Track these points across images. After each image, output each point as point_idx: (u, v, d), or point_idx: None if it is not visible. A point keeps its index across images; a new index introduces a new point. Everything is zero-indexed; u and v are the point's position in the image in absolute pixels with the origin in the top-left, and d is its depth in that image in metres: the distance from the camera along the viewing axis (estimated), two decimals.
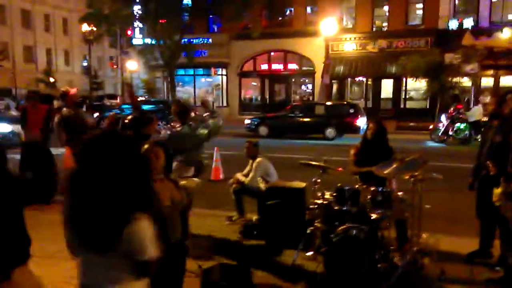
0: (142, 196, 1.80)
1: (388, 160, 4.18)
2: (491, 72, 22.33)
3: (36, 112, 6.88)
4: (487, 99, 16.88)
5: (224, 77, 28.86)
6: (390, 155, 4.49)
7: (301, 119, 17.81)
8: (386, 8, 24.73)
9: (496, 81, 22.57)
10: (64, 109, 6.42)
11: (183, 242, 3.08)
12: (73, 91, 6.74)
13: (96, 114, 19.17)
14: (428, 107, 22.90)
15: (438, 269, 4.19)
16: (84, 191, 1.74)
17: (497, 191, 3.96)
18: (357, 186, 4.27)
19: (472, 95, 20.86)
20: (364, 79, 25.63)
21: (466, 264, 4.51)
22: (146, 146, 2.81)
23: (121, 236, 1.71)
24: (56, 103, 25.93)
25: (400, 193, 4.26)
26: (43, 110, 6.95)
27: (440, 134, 15.53)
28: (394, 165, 3.95)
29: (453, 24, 22.67)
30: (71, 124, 6.22)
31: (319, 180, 4.50)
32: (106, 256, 1.76)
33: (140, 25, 27.43)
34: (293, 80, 27.96)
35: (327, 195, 4.32)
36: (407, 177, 4.12)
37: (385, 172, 3.95)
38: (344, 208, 4.07)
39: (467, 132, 14.69)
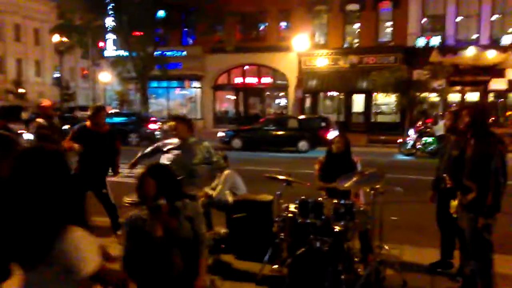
0: (71, 209, 1.80)
1: (350, 173, 4.29)
2: (457, 88, 23.18)
3: None
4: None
5: (198, 90, 28.87)
6: (354, 168, 4.61)
7: (274, 132, 17.98)
8: (357, 25, 25.37)
9: (463, 97, 23.43)
10: (38, 119, 6.42)
11: (190, 279, 2.66)
12: (46, 103, 6.69)
13: (66, 126, 18.80)
14: (398, 121, 23.48)
15: (400, 280, 4.30)
16: (8, 205, 1.74)
17: (454, 203, 4.12)
18: (320, 198, 4.35)
19: (440, 110, 21.54)
20: (336, 94, 26.13)
21: (428, 275, 4.64)
22: (139, 171, 2.64)
23: (50, 250, 1.68)
24: (24, 114, 25.22)
25: (362, 205, 4.36)
26: None
27: (408, 147, 15.96)
28: (354, 178, 4.06)
29: (421, 42, 23.47)
30: (43, 136, 6.20)
31: (278, 193, 4.57)
32: (38, 273, 1.73)
33: (113, 36, 27.20)
34: (267, 93, 28.22)
35: (292, 207, 4.38)
36: (367, 190, 4.24)
37: (345, 185, 4.05)
38: (308, 221, 4.13)
39: (434, 145, 15.14)
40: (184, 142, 4.79)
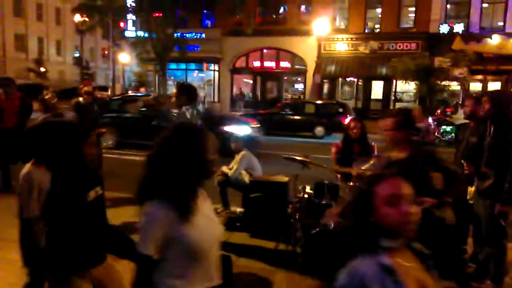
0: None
1: (367, 156, 4.32)
2: (479, 77, 22.68)
3: (9, 101, 6.79)
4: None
5: (216, 73, 28.88)
6: (370, 153, 4.63)
7: (291, 117, 17.96)
8: (378, 10, 24.93)
9: (485, 86, 22.93)
10: (80, 98, 6.94)
11: None
12: (86, 84, 7.18)
13: None
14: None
15: None
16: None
17: (472, 189, 4.12)
18: (337, 181, 4.40)
19: (461, 99, 21.16)
20: (355, 80, 25.85)
21: None
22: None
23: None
24: (45, 93, 25.57)
25: None
26: (17, 98, 6.90)
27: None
28: (371, 162, 4.09)
29: (444, 29, 22.95)
30: (83, 112, 6.59)
31: (296, 173, 4.61)
32: None
33: (133, 17, 27.29)
34: (285, 78, 28.06)
35: (308, 189, 4.44)
36: None
37: (362, 168, 4.08)
38: (323, 202, 4.19)
39: (453, 134, 14.93)
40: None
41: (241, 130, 11.07)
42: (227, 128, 10.92)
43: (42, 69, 38.73)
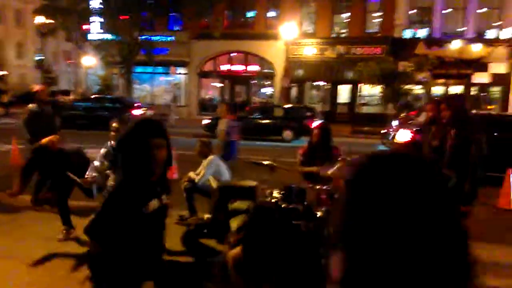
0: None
1: (332, 161, 4.35)
2: (441, 81, 23.47)
3: None
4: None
5: (184, 76, 28.62)
6: (331, 157, 4.69)
7: (259, 121, 17.97)
8: (345, 15, 25.40)
9: (446, 90, 23.73)
10: (30, 105, 6.08)
11: None
12: (39, 87, 6.38)
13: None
14: (382, 112, 23.68)
15: None
16: None
17: None
18: (304, 185, 4.40)
19: (423, 102, 21.79)
20: (323, 84, 26.20)
21: None
22: None
23: None
24: (4, 97, 24.62)
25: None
26: None
27: (390, 138, 16.11)
28: (337, 166, 4.11)
29: (408, 33, 23.63)
30: (35, 121, 5.91)
31: (264, 179, 4.60)
32: None
33: (98, 19, 26.67)
34: (253, 82, 28.12)
35: (276, 193, 4.41)
36: None
37: (329, 172, 4.10)
38: (291, 206, 4.17)
39: None
40: None
41: None
42: None
43: (1, 73, 37.25)
